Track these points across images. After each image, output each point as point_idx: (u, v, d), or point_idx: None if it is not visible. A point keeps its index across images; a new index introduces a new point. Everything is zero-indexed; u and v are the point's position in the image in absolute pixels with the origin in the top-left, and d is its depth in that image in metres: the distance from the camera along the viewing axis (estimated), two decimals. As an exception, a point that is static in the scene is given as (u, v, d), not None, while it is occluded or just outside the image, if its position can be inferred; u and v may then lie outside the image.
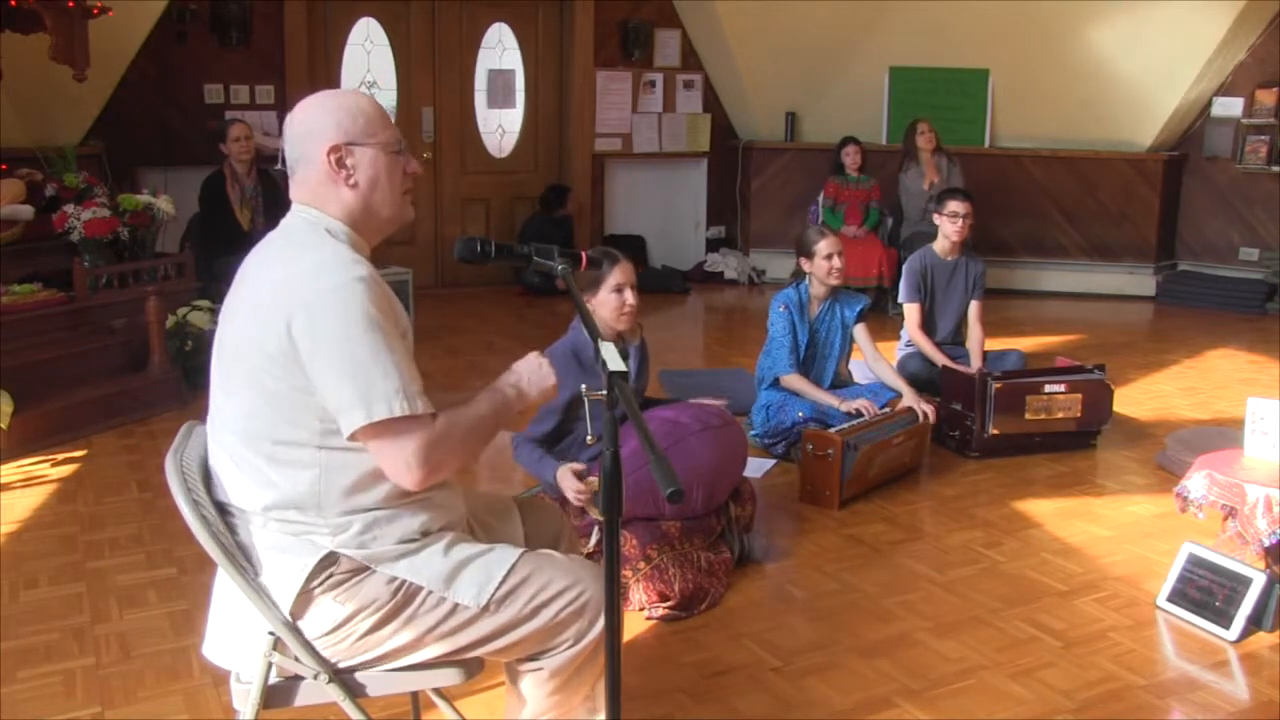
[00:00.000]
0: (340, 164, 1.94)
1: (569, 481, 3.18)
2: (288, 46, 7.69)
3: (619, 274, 3.36)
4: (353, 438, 1.84)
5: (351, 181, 1.95)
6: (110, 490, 4.24)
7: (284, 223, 2.01)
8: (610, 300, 3.37)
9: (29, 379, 4.72)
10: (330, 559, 1.92)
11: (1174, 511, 3.56)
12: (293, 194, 2.00)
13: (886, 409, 4.48)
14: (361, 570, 1.94)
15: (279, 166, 2.08)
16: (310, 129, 1.95)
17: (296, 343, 1.82)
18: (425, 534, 1.98)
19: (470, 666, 2.04)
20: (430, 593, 1.95)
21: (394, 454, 1.85)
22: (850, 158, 8.06)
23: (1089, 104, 8.54)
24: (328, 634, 1.94)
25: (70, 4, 5.26)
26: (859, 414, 4.35)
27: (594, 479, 3.22)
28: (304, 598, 1.91)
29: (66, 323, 5.17)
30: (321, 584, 1.92)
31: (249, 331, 1.89)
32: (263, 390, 1.87)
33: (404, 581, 1.94)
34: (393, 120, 2.04)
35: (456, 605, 1.95)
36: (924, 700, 2.80)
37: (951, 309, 5.45)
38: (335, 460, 1.89)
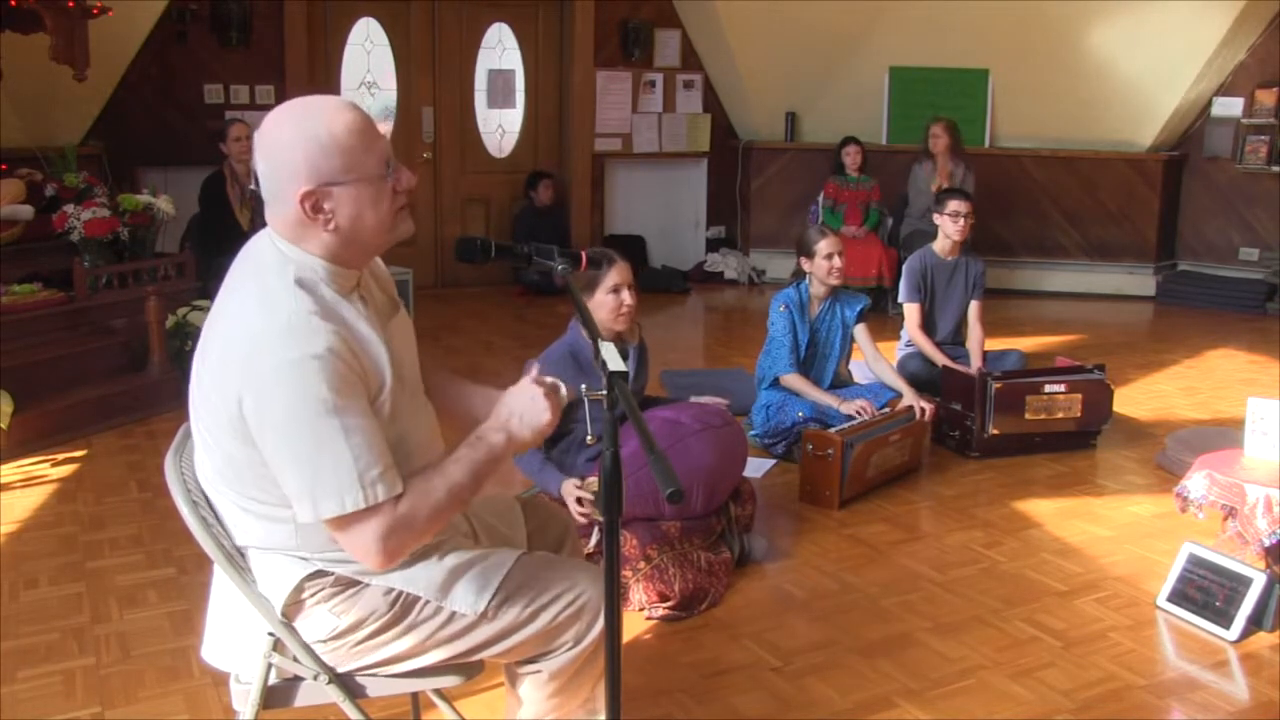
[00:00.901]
0: (316, 210, 1.76)
1: (573, 500, 3.21)
2: (288, 46, 7.69)
3: (616, 274, 3.35)
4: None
5: (331, 225, 1.78)
6: (110, 490, 4.24)
7: (258, 250, 1.84)
8: (608, 301, 3.37)
9: (29, 379, 4.72)
10: (321, 572, 1.90)
11: (1174, 511, 3.56)
12: (268, 219, 1.84)
13: (886, 409, 4.48)
14: (355, 582, 1.92)
15: (253, 187, 1.89)
16: (280, 165, 1.76)
17: (247, 421, 1.72)
18: (413, 551, 1.95)
19: (470, 669, 2.04)
20: (428, 601, 1.93)
21: (352, 543, 1.77)
22: (851, 158, 8.06)
23: (1089, 104, 8.54)
24: (326, 641, 1.93)
25: (70, 4, 5.26)
26: (857, 414, 4.36)
27: (594, 479, 3.23)
28: (296, 606, 1.90)
29: (66, 323, 5.17)
30: (314, 594, 1.90)
31: (207, 391, 1.80)
32: (223, 451, 1.81)
33: (401, 591, 1.93)
34: (384, 126, 1.92)
35: (454, 613, 1.94)
36: (924, 700, 2.80)
37: (951, 309, 5.45)
38: None
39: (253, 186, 1.86)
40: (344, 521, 1.74)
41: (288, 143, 1.76)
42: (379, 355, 1.82)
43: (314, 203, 1.76)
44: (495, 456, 1.85)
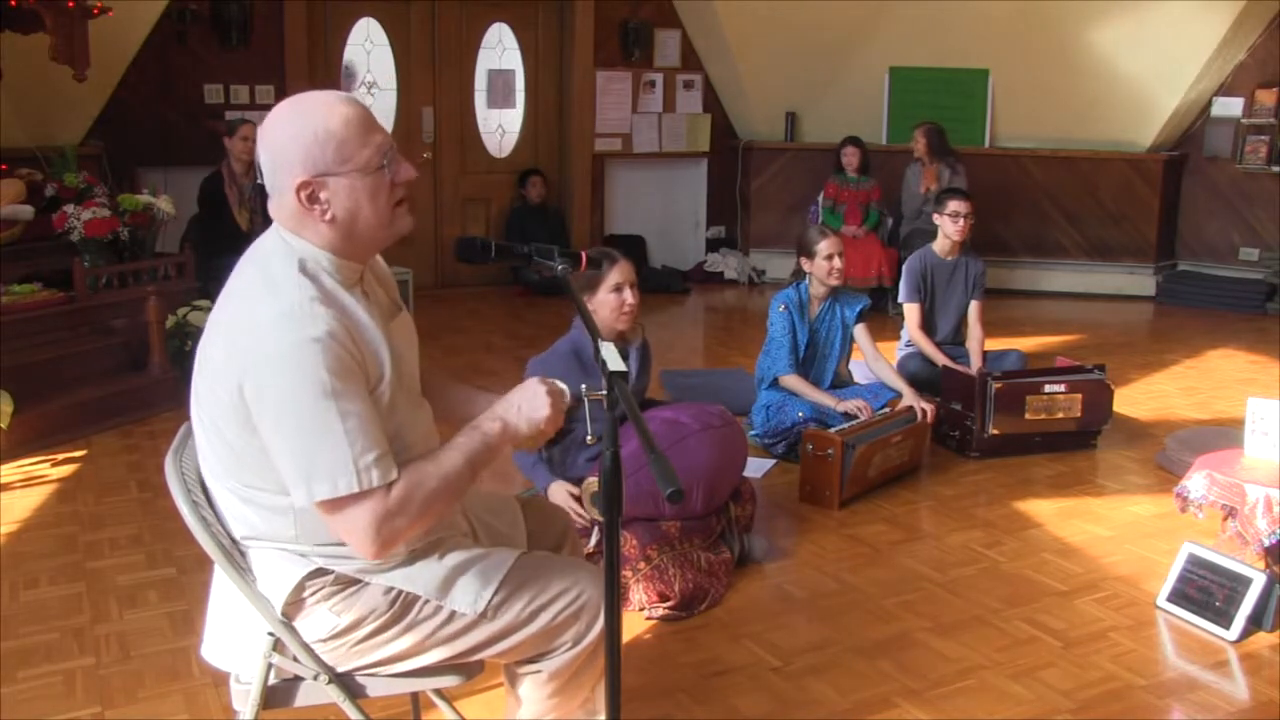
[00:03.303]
0: (312, 200, 1.79)
1: (563, 499, 3.21)
2: (288, 46, 7.68)
3: (618, 273, 3.35)
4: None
5: (327, 216, 1.80)
6: (110, 490, 4.24)
7: (263, 243, 1.87)
8: (610, 300, 3.36)
9: (29, 379, 4.72)
10: (321, 570, 1.91)
11: (1174, 511, 3.56)
12: (272, 213, 1.87)
13: (886, 409, 4.48)
14: (355, 581, 1.92)
15: (259, 180, 1.92)
16: (278, 156, 1.80)
17: (248, 405, 1.74)
18: (413, 550, 1.96)
19: (470, 669, 2.04)
20: (427, 600, 1.94)
21: (345, 529, 1.77)
22: (849, 158, 8.05)
23: (1089, 104, 8.54)
24: (326, 640, 1.93)
25: (70, 4, 5.26)
26: (854, 415, 4.36)
27: (593, 479, 3.23)
28: (296, 605, 1.90)
29: (66, 323, 5.17)
30: (314, 593, 1.91)
31: (209, 380, 1.82)
32: (224, 440, 1.82)
33: (401, 590, 1.93)
34: (380, 121, 1.87)
35: (454, 612, 1.94)
36: (924, 700, 2.80)
37: (951, 309, 5.45)
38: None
39: (260, 180, 1.88)
40: (337, 505, 1.74)
41: (286, 135, 1.80)
42: (379, 347, 1.83)
43: (310, 193, 1.79)
44: (490, 445, 1.87)
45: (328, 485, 1.71)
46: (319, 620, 1.91)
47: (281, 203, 1.83)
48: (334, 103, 1.82)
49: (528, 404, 1.89)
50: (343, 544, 1.87)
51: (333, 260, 1.84)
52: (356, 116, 1.81)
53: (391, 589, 1.93)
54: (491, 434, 1.87)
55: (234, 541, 1.94)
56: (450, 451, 1.84)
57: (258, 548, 1.92)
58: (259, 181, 1.89)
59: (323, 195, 1.79)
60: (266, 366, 1.71)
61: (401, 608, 1.93)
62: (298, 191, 1.78)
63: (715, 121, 9.22)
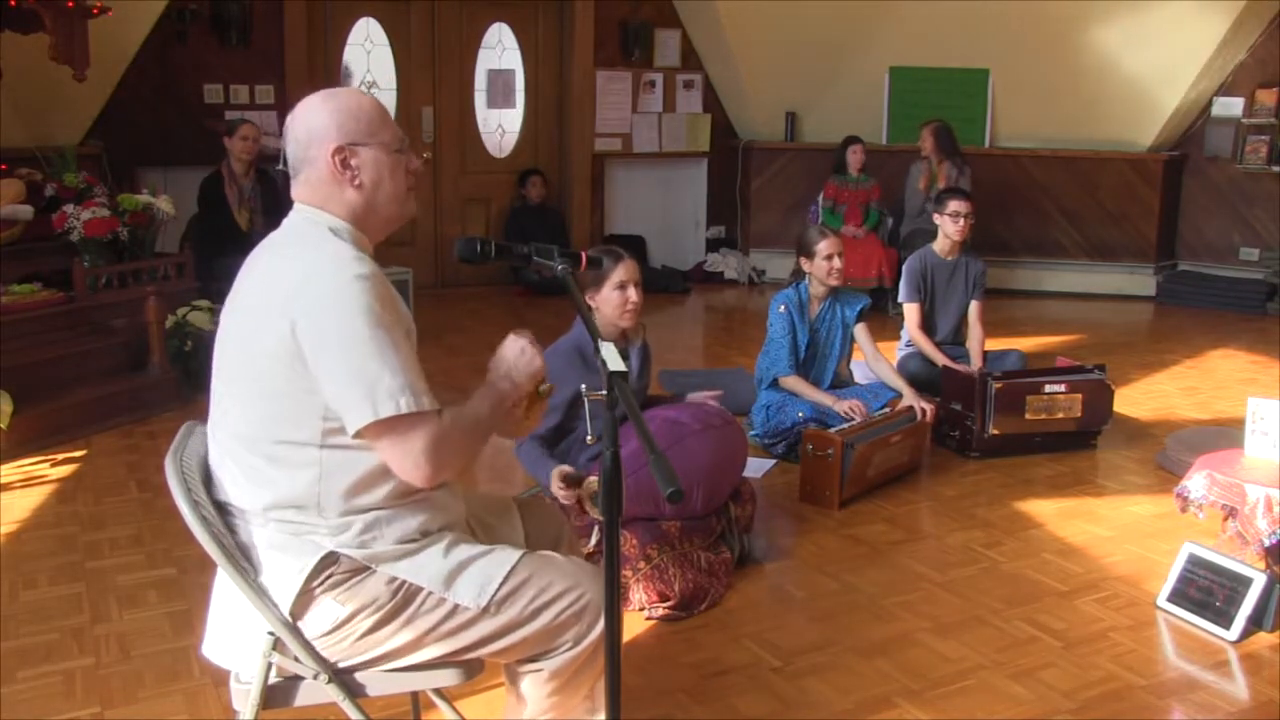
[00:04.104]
0: (345, 165, 1.95)
1: (557, 484, 3.18)
2: (288, 46, 7.69)
3: (623, 271, 3.37)
4: (359, 435, 1.84)
5: (356, 182, 1.96)
6: (110, 490, 4.24)
7: (286, 222, 2.01)
8: (613, 297, 3.38)
9: (29, 379, 4.72)
10: (330, 559, 1.92)
11: (1174, 511, 3.56)
12: (295, 194, 2.00)
13: (886, 409, 4.48)
14: (361, 570, 1.93)
15: (280, 167, 2.05)
16: (313, 130, 1.96)
17: (300, 342, 1.82)
18: (425, 534, 1.98)
19: (470, 667, 2.04)
20: (430, 593, 1.95)
21: (402, 451, 1.85)
22: (855, 157, 8.05)
23: (1089, 104, 8.55)
24: (327, 634, 1.94)
25: (70, 4, 5.26)
26: (847, 414, 4.35)
27: (594, 479, 3.22)
28: (304, 598, 1.91)
29: (66, 323, 5.17)
30: (322, 584, 1.92)
31: (251, 331, 1.89)
32: (265, 390, 1.87)
33: (404, 582, 1.94)
34: (393, 119, 2.04)
35: (456, 606, 1.95)
36: (924, 700, 2.80)
37: (951, 309, 5.44)
38: (336, 460, 1.88)
39: (280, 166, 2.01)
40: (398, 425, 1.83)
41: (319, 113, 1.97)
42: (401, 301, 1.97)
43: (343, 158, 1.95)
44: (505, 400, 2.02)
45: (391, 404, 1.81)
46: (323, 612, 1.92)
47: (310, 175, 1.97)
48: (358, 92, 2.07)
49: (520, 360, 2.05)
50: (355, 513, 1.90)
51: (352, 232, 1.98)
52: (380, 105, 2.04)
53: (395, 579, 1.94)
54: (504, 391, 2.02)
55: (236, 541, 1.94)
56: (476, 400, 1.99)
57: (267, 534, 1.92)
58: (280, 168, 1.99)
59: (354, 162, 1.96)
60: (319, 302, 1.82)
61: (403, 599, 1.94)
62: (333, 156, 1.94)
63: (715, 121, 9.23)
